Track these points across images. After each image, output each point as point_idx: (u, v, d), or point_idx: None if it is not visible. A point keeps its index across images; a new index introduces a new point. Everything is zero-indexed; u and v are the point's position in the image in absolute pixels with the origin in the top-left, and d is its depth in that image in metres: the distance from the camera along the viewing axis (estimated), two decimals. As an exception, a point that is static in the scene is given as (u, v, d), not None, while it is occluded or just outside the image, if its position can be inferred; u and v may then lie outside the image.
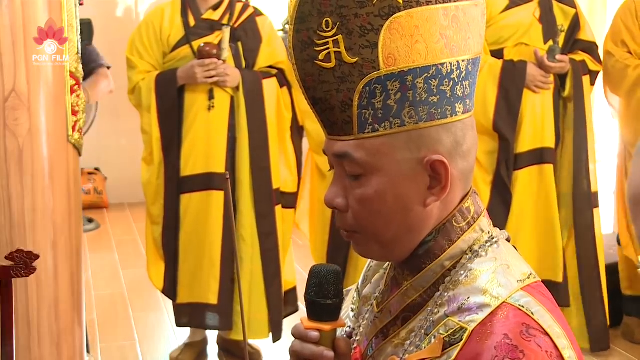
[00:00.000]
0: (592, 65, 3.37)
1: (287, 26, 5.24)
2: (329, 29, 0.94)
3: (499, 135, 3.22)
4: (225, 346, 3.51)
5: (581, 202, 3.34)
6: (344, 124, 0.96)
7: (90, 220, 5.75)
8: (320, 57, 0.95)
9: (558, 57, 3.20)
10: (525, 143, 3.24)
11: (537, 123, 3.25)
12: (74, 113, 2.46)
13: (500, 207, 3.21)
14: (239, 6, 3.29)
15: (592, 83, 3.41)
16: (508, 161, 3.23)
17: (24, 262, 1.82)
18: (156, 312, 4.11)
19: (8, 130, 2.32)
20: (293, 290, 3.46)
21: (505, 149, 3.21)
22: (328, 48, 0.94)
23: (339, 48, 0.94)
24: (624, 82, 3.45)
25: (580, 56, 3.35)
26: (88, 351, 3.33)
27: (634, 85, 3.43)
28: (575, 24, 3.35)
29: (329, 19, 0.93)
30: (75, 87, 2.46)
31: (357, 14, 0.92)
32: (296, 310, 3.45)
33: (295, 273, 3.53)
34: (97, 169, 6.36)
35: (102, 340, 3.73)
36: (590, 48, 3.39)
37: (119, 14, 6.46)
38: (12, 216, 2.34)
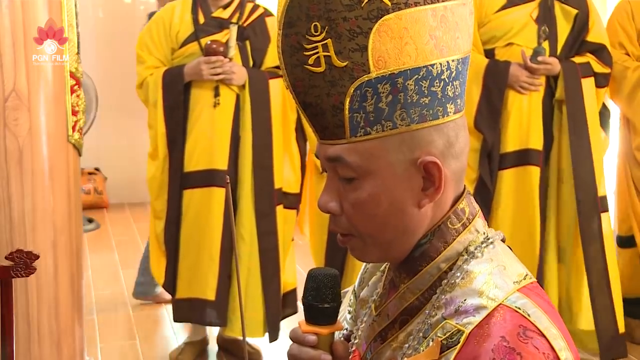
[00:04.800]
0: (598, 67, 3.30)
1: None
2: (317, 33, 0.93)
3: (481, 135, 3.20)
4: (225, 346, 3.51)
5: (587, 208, 3.26)
6: (336, 128, 0.96)
7: (90, 220, 5.75)
8: (310, 61, 0.94)
9: (540, 58, 3.15)
10: (510, 143, 3.22)
11: (522, 124, 3.21)
12: (74, 113, 2.47)
13: (480, 206, 3.19)
14: (249, 6, 3.31)
15: (599, 85, 3.33)
16: (491, 161, 3.21)
17: (24, 262, 1.83)
18: (156, 312, 4.11)
19: (8, 130, 2.32)
20: (293, 291, 3.46)
21: (485, 147, 3.20)
22: (317, 52, 0.94)
23: (328, 52, 0.93)
24: (624, 84, 3.43)
25: (585, 58, 3.29)
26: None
27: (634, 87, 3.42)
28: (582, 25, 3.29)
29: (317, 23, 0.93)
30: (75, 87, 2.47)
31: (345, 17, 0.92)
32: (295, 311, 3.45)
33: (296, 274, 3.53)
34: (97, 169, 6.37)
35: (102, 340, 3.73)
36: (597, 50, 3.32)
37: (119, 13, 6.46)
38: (12, 216, 2.34)
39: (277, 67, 3.31)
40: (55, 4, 2.37)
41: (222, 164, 3.20)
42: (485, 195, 3.21)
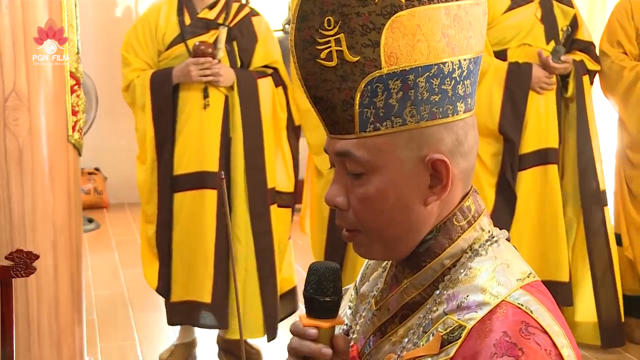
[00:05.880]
0: (591, 65, 3.39)
1: (287, 26, 5.20)
2: (330, 28, 0.94)
3: (504, 138, 3.22)
4: (225, 346, 3.51)
5: (590, 201, 3.33)
6: (346, 122, 0.96)
7: (90, 220, 5.75)
8: (322, 55, 0.95)
9: (563, 57, 3.21)
10: (529, 144, 3.25)
11: (541, 124, 3.26)
12: (74, 113, 2.47)
13: (504, 209, 3.22)
14: (235, 6, 3.28)
15: (591, 82, 3.43)
16: (513, 163, 3.24)
17: (24, 262, 1.83)
18: (156, 312, 4.11)
19: (8, 130, 2.32)
20: (293, 290, 3.45)
21: (510, 151, 3.22)
22: (330, 47, 0.94)
23: (340, 47, 0.94)
24: (620, 83, 3.46)
25: (578, 56, 3.37)
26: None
27: (629, 87, 3.44)
28: (574, 24, 3.36)
29: (330, 17, 0.94)
30: (75, 87, 2.47)
31: (358, 12, 0.93)
32: (295, 310, 3.45)
33: (295, 272, 3.52)
34: (97, 169, 6.37)
35: (102, 340, 3.73)
36: (587, 48, 3.41)
37: (118, 14, 6.46)
38: (12, 216, 2.34)
39: (266, 67, 3.30)
40: (55, 4, 2.38)
41: (212, 165, 3.18)
42: (508, 197, 3.23)
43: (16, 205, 2.34)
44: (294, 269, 3.51)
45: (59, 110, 2.42)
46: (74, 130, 2.47)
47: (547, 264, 3.25)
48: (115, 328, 3.92)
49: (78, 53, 2.48)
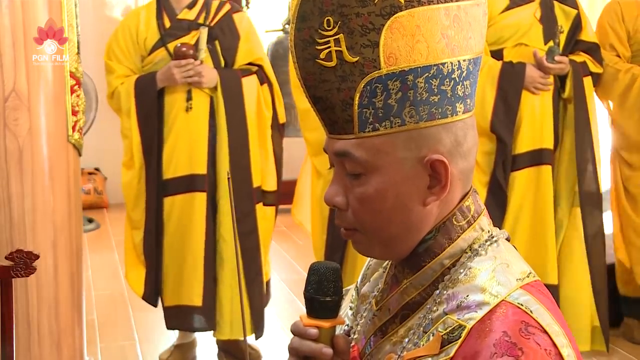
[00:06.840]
0: (593, 67, 3.35)
1: (287, 26, 5.18)
2: (330, 28, 0.94)
3: (496, 137, 3.21)
4: (224, 346, 3.51)
5: (590, 204, 3.31)
6: (345, 122, 0.97)
7: (90, 220, 5.76)
8: (322, 55, 0.95)
9: (557, 58, 3.19)
10: (524, 144, 3.23)
11: (536, 124, 3.24)
12: (74, 113, 2.47)
13: (495, 209, 3.21)
14: (215, 4, 3.25)
15: (594, 84, 3.39)
16: (505, 163, 3.22)
17: (24, 262, 1.83)
18: (156, 312, 4.10)
19: (8, 130, 2.33)
20: (267, 283, 3.44)
21: (502, 150, 3.21)
22: (329, 47, 0.95)
23: (340, 47, 0.94)
24: (615, 86, 3.44)
25: (581, 57, 3.34)
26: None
27: (625, 90, 3.43)
28: (577, 24, 3.33)
29: (330, 17, 0.94)
30: (75, 87, 2.47)
31: (358, 13, 0.93)
32: (267, 302, 3.44)
33: (270, 265, 3.50)
34: (97, 169, 6.36)
35: (102, 340, 3.73)
36: (591, 49, 3.37)
37: (118, 14, 6.46)
38: (12, 216, 2.34)
39: (250, 64, 3.28)
40: (55, 4, 2.38)
41: (201, 168, 3.18)
42: (499, 197, 3.22)
43: (16, 205, 2.34)
44: (269, 262, 3.49)
45: (59, 110, 2.42)
46: (74, 130, 2.47)
47: (536, 266, 3.23)
48: (115, 328, 3.92)
49: (78, 53, 2.48)
